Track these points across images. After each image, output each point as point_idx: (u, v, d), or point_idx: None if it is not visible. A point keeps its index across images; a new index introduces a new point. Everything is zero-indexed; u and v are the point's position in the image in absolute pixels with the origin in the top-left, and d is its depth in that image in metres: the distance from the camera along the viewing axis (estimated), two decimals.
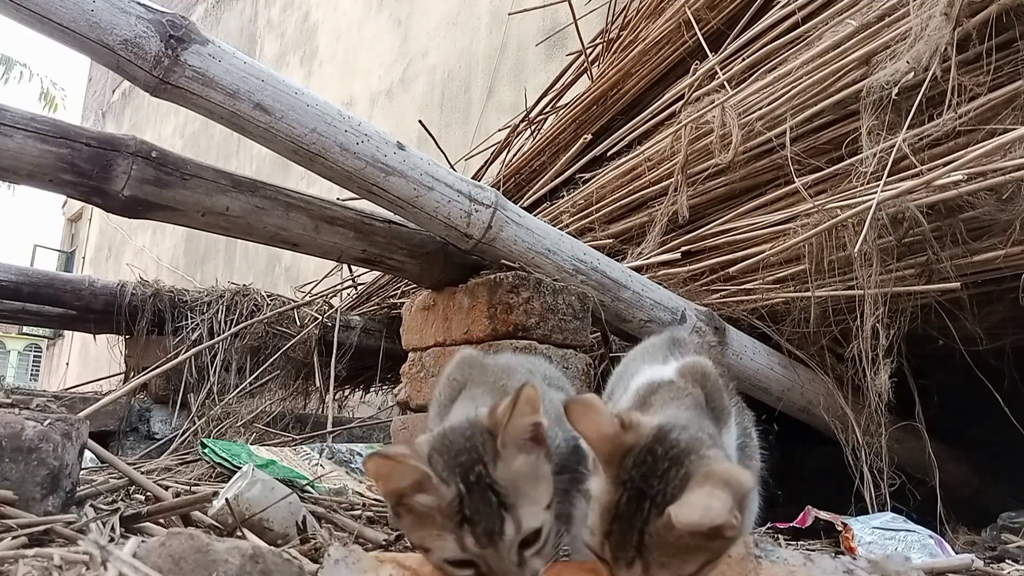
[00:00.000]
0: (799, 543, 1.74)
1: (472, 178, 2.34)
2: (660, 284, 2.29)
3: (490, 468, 0.84)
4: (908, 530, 1.68)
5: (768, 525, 1.81)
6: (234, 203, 1.77)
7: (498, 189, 2.38)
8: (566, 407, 0.85)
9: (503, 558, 0.82)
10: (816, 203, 2.16)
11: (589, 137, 3.24)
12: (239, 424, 2.94)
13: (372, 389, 3.89)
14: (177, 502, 1.31)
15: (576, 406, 0.85)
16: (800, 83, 2.37)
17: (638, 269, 2.39)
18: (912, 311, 2.08)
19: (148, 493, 1.45)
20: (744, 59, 2.67)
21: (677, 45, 3.03)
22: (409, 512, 0.86)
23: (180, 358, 3.02)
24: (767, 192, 2.45)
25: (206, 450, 2.18)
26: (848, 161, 2.22)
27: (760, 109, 2.45)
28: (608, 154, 3.09)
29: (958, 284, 2.00)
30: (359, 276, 3.91)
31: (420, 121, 3.94)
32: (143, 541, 0.94)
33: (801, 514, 1.80)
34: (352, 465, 2.34)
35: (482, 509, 0.82)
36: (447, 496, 0.83)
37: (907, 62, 2.05)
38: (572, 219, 2.91)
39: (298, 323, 3.36)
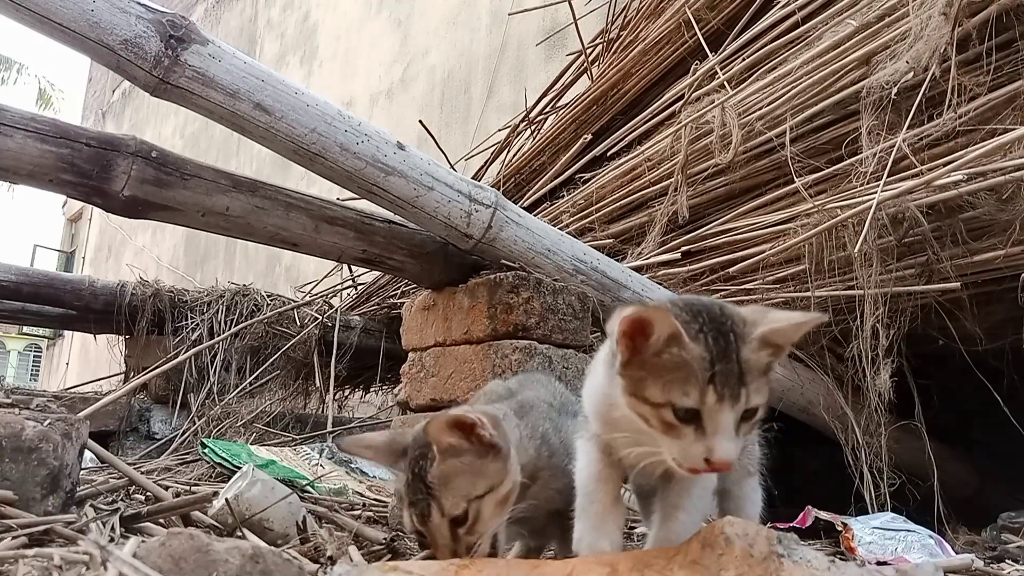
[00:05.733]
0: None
1: (472, 178, 2.34)
2: (660, 284, 2.29)
3: (427, 466, 1.06)
4: (908, 530, 1.68)
5: (768, 525, 1.81)
6: (234, 203, 1.77)
7: (498, 189, 2.38)
8: None
9: (435, 533, 1.05)
10: (816, 203, 2.16)
11: (589, 137, 3.24)
12: (239, 424, 2.94)
13: (372, 389, 3.89)
14: (177, 502, 1.31)
15: None
16: (800, 83, 2.37)
17: (638, 269, 2.39)
18: (912, 311, 2.08)
19: (148, 493, 1.45)
20: (744, 59, 2.66)
21: (677, 45, 3.03)
22: None
23: (180, 358, 3.02)
24: (767, 192, 2.45)
25: (206, 450, 2.18)
26: (848, 161, 2.22)
27: (760, 109, 2.45)
28: (608, 154, 3.09)
29: (958, 284, 2.00)
30: (359, 276, 3.91)
31: (420, 121, 3.94)
32: (143, 541, 0.94)
33: (801, 514, 1.80)
34: (352, 465, 2.34)
35: (418, 497, 1.06)
36: (402, 479, 1.10)
37: (907, 62, 2.05)
38: (572, 219, 2.90)
39: (298, 323, 3.36)
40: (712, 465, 0.86)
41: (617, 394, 0.92)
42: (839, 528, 1.68)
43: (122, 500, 1.50)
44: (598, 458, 1.03)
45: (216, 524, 1.33)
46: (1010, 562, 1.65)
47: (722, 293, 2.37)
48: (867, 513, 1.94)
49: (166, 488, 1.55)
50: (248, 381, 3.18)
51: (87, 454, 1.39)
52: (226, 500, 1.33)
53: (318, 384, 3.34)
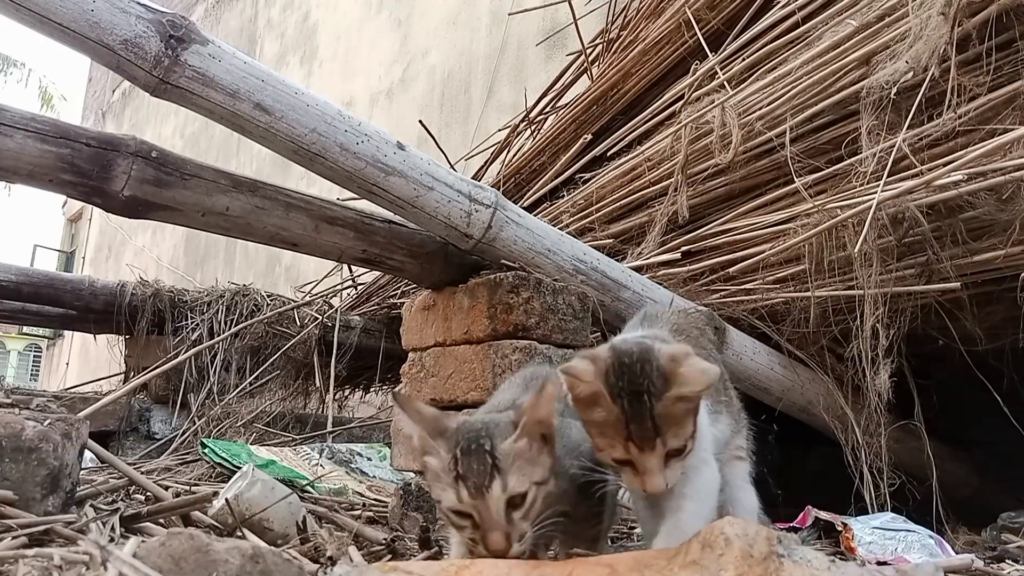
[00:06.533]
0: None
1: (472, 178, 2.34)
2: (660, 284, 2.29)
3: (495, 441, 0.99)
4: (908, 530, 1.68)
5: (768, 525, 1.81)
6: (234, 203, 1.77)
7: (498, 189, 2.38)
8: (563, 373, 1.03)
9: (491, 509, 0.97)
10: (816, 203, 2.16)
11: (589, 137, 3.24)
12: (239, 424, 2.94)
13: (372, 389, 3.89)
14: (177, 502, 1.31)
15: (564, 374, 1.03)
16: (800, 83, 2.37)
17: (638, 269, 2.39)
18: (912, 311, 2.08)
19: (148, 493, 1.45)
20: (744, 59, 2.66)
21: (677, 45, 3.03)
22: (428, 471, 1.05)
23: (180, 358, 3.02)
24: (767, 192, 2.45)
25: (206, 450, 2.18)
26: (848, 161, 2.22)
27: (760, 109, 2.45)
28: (608, 154, 3.09)
29: (958, 284, 2.00)
30: (359, 276, 3.91)
31: (420, 121, 3.94)
32: (143, 541, 0.94)
33: (801, 514, 1.80)
34: (352, 465, 2.34)
35: (475, 468, 0.97)
36: (445, 457, 1.00)
37: (906, 62, 2.05)
38: (572, 219, 2.90)
39: (298, 323, 3.36)
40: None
41: None
42: (839, 528, 1.68)
43: (122, 500, 1.50)
44: None
45: (216, 524, 1.33)
46: (1010, 562, 1.65)
47: (722, 293, 2.37)
48: (867, 513, 1.94)
49: (166, 488, 1.55)
50: (248, 381, 3.18)
51: (87, 454, 1.39)
52: (226, 500, 1.33)
53: (318, 384, 3.34)
